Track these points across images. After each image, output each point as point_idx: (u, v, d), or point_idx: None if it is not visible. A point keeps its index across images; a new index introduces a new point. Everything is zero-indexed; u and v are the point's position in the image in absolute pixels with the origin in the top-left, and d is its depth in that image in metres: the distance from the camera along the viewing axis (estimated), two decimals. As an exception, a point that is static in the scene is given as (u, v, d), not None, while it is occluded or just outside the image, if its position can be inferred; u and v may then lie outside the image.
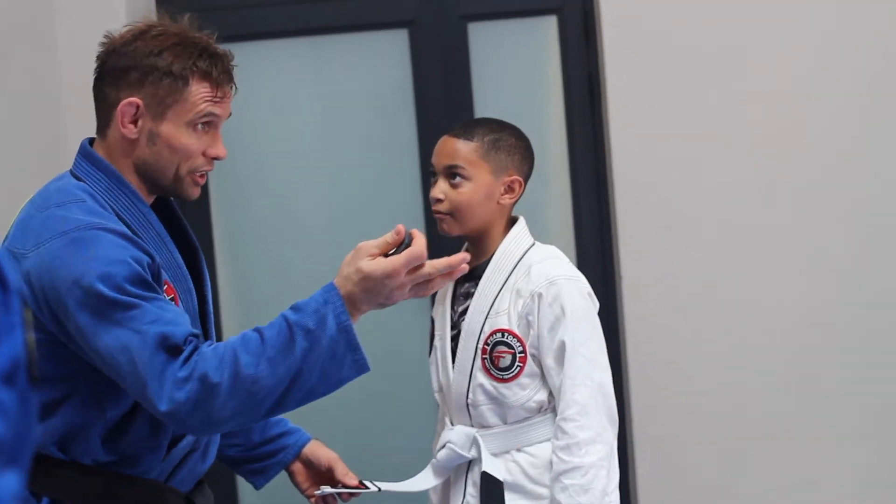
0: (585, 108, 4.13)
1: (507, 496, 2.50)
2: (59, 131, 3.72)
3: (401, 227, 1.98)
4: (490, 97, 4.16)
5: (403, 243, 1.97)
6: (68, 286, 1.95)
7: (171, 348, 1.93)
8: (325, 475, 2.50)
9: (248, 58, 4.25)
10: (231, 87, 2.15)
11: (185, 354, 1.93)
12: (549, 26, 4.17)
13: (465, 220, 2.53)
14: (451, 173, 2.53)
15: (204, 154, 2.13)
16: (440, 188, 2.54)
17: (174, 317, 1.97)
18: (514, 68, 4.20)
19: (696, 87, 3.97)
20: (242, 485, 4.28)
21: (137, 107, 2.07)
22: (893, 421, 3.97)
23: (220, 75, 2.12)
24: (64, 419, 2.05)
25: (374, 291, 1.97)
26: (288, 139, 4.26)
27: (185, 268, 2.16)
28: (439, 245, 2.60)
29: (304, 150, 4.27)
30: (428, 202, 4.12)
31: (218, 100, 2.12)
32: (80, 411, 2.05)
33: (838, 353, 3.98)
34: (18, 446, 1.13)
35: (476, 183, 2.52)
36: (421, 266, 1.97)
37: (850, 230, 3.96)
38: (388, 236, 1.99)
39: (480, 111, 4.11)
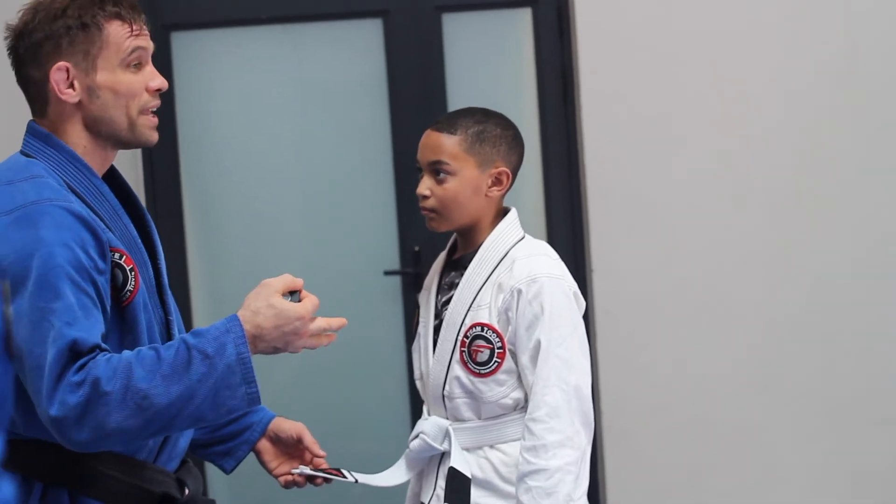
0: (558, 100, 4.14)
1: (477, 493, 2.46)
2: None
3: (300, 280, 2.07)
4: (463, 88, 4.16)
5: (295, 293, 2.05)
6: (5, 266, 1.95)
7: (75, 354, 1.93)
8: (293, 449, 2.48)
9: (222, 45, 4.23)
10: (143, 21, 2.17)
11: (81, 361, 1.92)
12: (523, 18, 4.17)
13: (451, 216, 2.48)
14: (436, 169, 2.47)
15: (147, 90, 2.14)
16: (425, 184, 2.49)
17: (91, 323, 1.97)
18: (488, 60, 4.20)
19: (669, 81, 3.98)
20: (210, 473, 4.27)
21: (67, 69, 2.08)
22: (859, 417, 4.01)
23: (127, 12, 2.13)
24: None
25: (283, 329, 2.02)
26: (260, 126, 4.24)
27: (139, 240, 2.16)
28: (427, 233, 2.58)
29: (276, 137, 4.25)
30: (400, 191, 4.15)
31: (137, 33, 2.13)
32: None
33: (805, 349, 4.01)
34: (1, 412, 1.17)
35: (462, 177, 2.46)
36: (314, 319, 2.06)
37: (817, 229, 3.99)
38: (289, 277, 2.06)
39: (453, 102, 4.10)
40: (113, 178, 2.24)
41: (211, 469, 4.24)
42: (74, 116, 2.11)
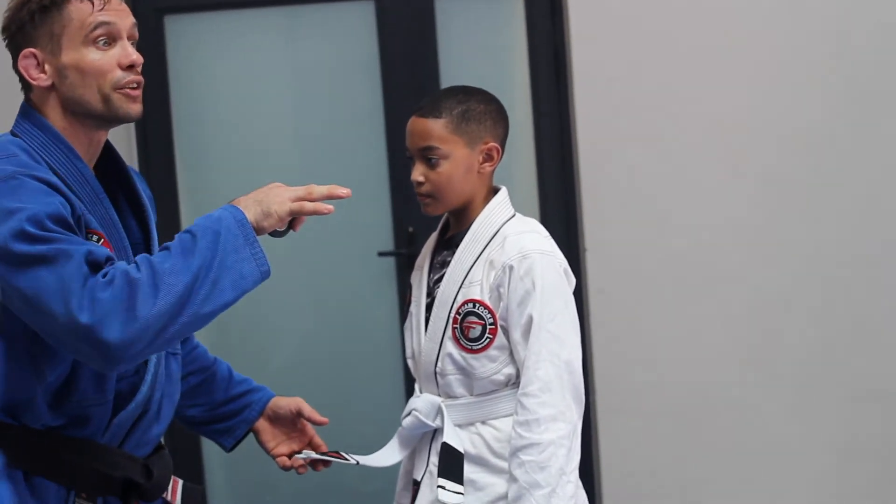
0: (551, 82, 4.16)
1: (469, 468, 2.49)
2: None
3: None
4: (456, 71, 4.17)
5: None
6: None
7: (93, 264, 1.93)
8: (292, 427, 2.52)
9: (216, 27, 4.25)
10: None
11: (104, 269, 1.93)
12: (515, 1, 4.19)
13: (447, 199, 2.52)
14: (427, 154, 2.50)
15: (119, 66, 2.12)
16: (419, 171, 2.51)
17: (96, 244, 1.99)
18: (481, 42, 4.21)
19: (660, 60, 4.00)
20: (207, 453, 4.30)
21: (34, 55, 2.10)
22: (849, 392, 4.04)
23: None
24: (7, 385, 2.05)
25: (260, 191, 2.08)
26: (254, 108, 4.26)
27: (119, 225, 2.15)
28: (421, 214, 2.60)
29: (270, 119, 4.27)
30: (393, 173, 4.17)
31: (100, 8, 2.11)
32: (21, 377, 2.05)
33: (797, 326, 4.03)
34: None
35: (453, 159, 2.49)
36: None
37: (809, 204, 4.01)
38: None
39: (446, 83, 4.11)
40: (109, 160, 2.24)
41: (207, 449, 4.28)
42: (51, 100, 2.12)
